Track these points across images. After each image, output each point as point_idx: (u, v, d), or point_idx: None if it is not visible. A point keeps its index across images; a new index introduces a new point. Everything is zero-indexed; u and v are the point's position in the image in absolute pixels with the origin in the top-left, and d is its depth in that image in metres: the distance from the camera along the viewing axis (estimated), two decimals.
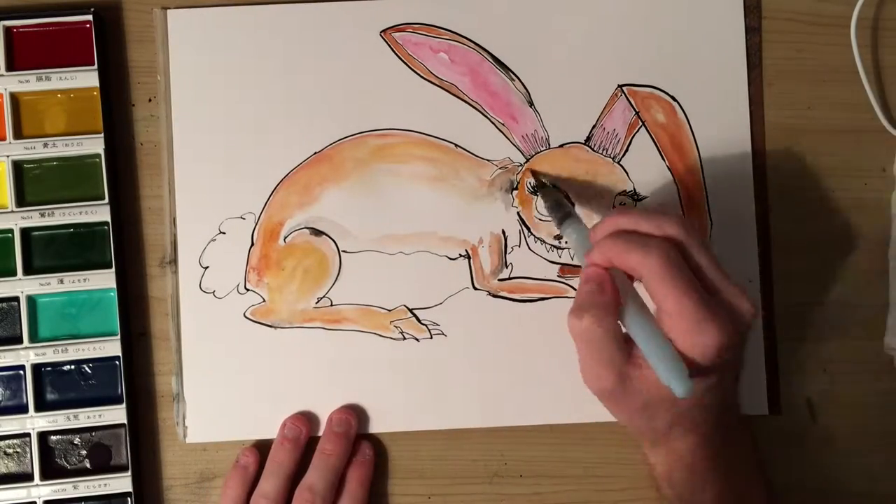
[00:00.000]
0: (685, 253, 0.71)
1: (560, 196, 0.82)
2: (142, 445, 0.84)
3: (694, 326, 0.68)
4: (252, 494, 0.82)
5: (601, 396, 0.74)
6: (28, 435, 0.82)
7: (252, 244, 0.84)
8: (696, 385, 0.67)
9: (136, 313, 0.85)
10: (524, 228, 0.84)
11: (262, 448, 0.84)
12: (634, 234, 0.72)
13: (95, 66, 0.83)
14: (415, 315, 0.84)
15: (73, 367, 0.83)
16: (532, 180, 0.84)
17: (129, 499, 0.82)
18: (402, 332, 0.84)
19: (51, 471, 0.83)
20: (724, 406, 0.75)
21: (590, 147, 0.84)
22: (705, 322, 0.67)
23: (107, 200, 0.83)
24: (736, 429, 0.78)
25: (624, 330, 0.71)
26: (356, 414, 0.84)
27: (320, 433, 0.84)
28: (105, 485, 0.82)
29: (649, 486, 0.83)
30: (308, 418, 0.84)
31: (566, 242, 0.82)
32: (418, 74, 0.84)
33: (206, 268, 0.84)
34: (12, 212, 0.83)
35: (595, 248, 0.73)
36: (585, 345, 0.72)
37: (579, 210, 0.83)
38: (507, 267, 0.84)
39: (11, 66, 0.84)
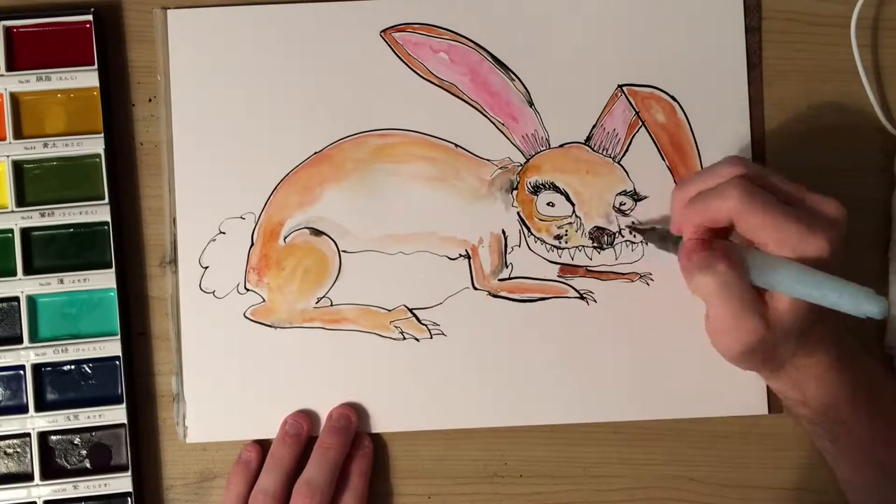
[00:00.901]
0: (757, 181, 0.71)
1: (660, 231, 0.82)
2: (142, 445, 0.84)
3: (802, 237, 0.69)
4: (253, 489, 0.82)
5: (745, 352, 0.73)
6: (28, 435, 0.83)
7: (252, 244, 0.84)
8: None
9: (136, 313, 0.85)
10: (524, 228, 0.84)
11: (264, 444, 0.84)
12: (702, 193, 0.72)
13: (95, 66, 0.83)
14: (415, 315, 0.84)
15: (73, 367, 0.83)
16: (532, 180, 0.84)
17: (129, 499, 0.83)
18: (402, 332, 0.84)
19: (51, 471, 0.83)
20: (835, 313, 0.75)
21: (590, 147, 0.84)
22: (810, 228, 0.69)
23: (107, 200, 0.83)
24: (844, 331, 0.77)
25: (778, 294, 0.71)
26: (356, 411, 0.84)
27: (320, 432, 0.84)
28: (105, 485, 0.82)
29: (650, 485, 0.84)
30: (310, 415, 0.84)
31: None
32: (418, 74, 0.85)
33: (206, 268, 0.84)
34: (12, 212, 0.83)
35: (681, 225, 0.74)
36: (725, 296, 0.71)
37: (579, 211, 0.84)
38: (507, 267, 0.84)
39: (11, 66, 0.84)
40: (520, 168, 0.84)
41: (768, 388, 0.83)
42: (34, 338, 0.83)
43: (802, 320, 0.71)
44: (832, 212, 0.72)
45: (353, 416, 0.83)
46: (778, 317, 0.70)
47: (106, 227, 0.83)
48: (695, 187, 0.74)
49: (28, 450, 0.83)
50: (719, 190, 0.71)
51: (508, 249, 0.84)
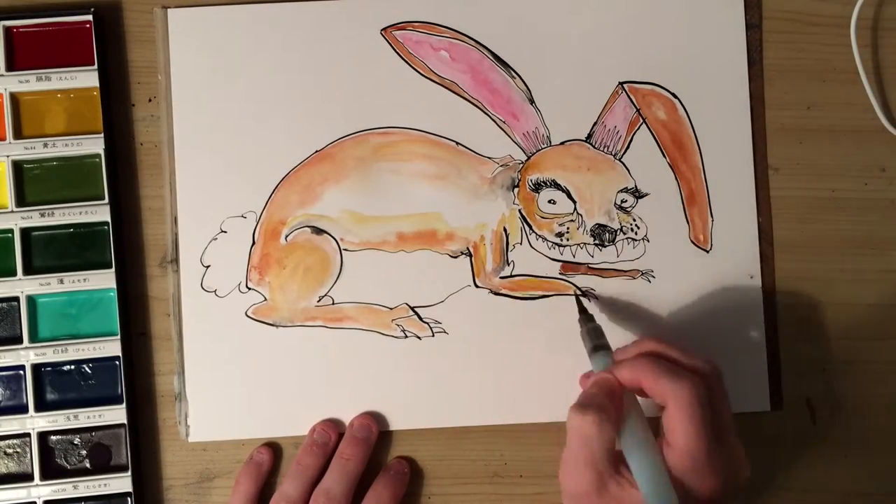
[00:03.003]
0: (709, 394, 0.70)
1: (598, 327, 0.80)
2: (142, 445, 0.84)
3: (696, 469, 0.67)
4: (262, 491, 0.83)
5: (573, 499, 0.72)
6: (28, 435, 0.82)
7: (253, 243, 0.84)
8: None
9: (136, 313, 0.85)
10: (526, 226, 0.84)
11: (274, 447, 0.84)
12: (666, 361, 0.71)
13: (95, 66, 0.83)
14: (416, 313, 0.84)
15: (73, 367, 0.83)
16: (533, 177, 0.84)
17: (129, 499, 0.82)
18: (403, 331, 0.84)
19: (51, 471, 0.83)
20: None
21: (591, 144, 0.85)
22: (708, 469, 0.67)
23: (107, 200, 0.83)
24: None
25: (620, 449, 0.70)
26: (377, 420, 0.84)
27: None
28: (105, 485, 0.82)
29: None
30: (337, 425, 0.84)
31: (592, 365, 0.78)
32: (419, 73, 0.85)
33: (208, 267, 0.84)
34: (12, 212, 0.83)
35: (626, 364, 0.72)
36: (580, 440, 0.70)
37: (581, 208, 0.84)
38: (508, 265, 0.84)
39: (11, 66, 0.84)
40: (521, 166, 0.84)
41: (770, 384, 0.84)
42: (34, 338, 0.83)
43: None
44: (741, 470, 0.71)
45: (375, 427, 0.84)
46: (621, 496, 0.69)
47: (106, 227, 0.83)
48: (665, 349, 0.73)
49: (28, 450, 0.83)
50: (678, 374, 0.70)
51: (510, 247, 0.84)
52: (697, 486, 0.67)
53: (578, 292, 0.84)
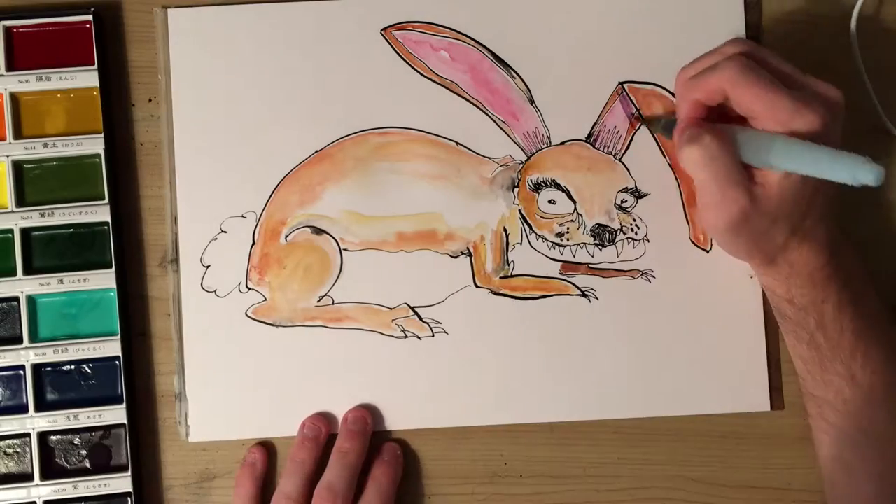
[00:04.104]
0: (756, 60, 0.73)
1: (665, 121, 0.83)
2: (142, 445, 0.84)
3: (791, 114, 0.70)
4: (262, 490, 0.83)
5: (730, 227, 0.74)
6: (28, 435, 0.82)
7: (253, 243, 0.84)
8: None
9: (136, 313, 0.85)
10: (526, 226, 0.84)
11: (267, 445, 0.84)
12: (702, 70, 0.75)
13: (95, 66, 0.83)
14: (416, 313, 0.84)
15: (73, 367, 0.83)
16: (533, 177, 0.84)
17: (129, 499, 0.82)
18: (403, 331, 0.84)
19: (51, 471, 0.83)
20: (830, 208, 0.76)
21: (591, 144, 0.84)
22: (801, 106, 0.70)
23: (107, 200, 0.83)
24: (839, 234, 0.78)
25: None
26: (371, 412, 0.84)
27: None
28: (105, 485, 0.82)
29: (650, 485, 0.84)
30: (326, 417, 0.84)
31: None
32: (419, 72, 0.85)
33: (208, 267, 0.84)
34: (12, 212, 0.83)
35: (678, 100, 0.77)
36: (711, 167, 0.72)
37: (581, 208, 0.84)
38: (508, 265, 0.84)
39: (11, 66, 0.84)
40: (521, 166, 0.84)
41: (770, 383, 0.84)
42: (34, 338, 0.83)
43: (791, 200, 0.72)
44: (829, 94, 0.74)
45: (369, 418, 0.83)
46: (767, 193, 0.72)
47: (106, 227, 0.83)
48: (697, 66, 0.76)
49: (28, 450, 0.83)
50: (717, 65, 0.73)
51: (510, 247, 0.84)
52: (806, 124, 0.71)
53: (641, 116, 0.86)
